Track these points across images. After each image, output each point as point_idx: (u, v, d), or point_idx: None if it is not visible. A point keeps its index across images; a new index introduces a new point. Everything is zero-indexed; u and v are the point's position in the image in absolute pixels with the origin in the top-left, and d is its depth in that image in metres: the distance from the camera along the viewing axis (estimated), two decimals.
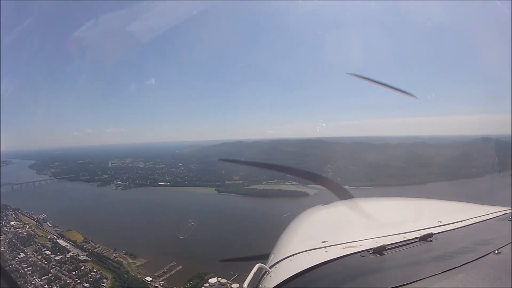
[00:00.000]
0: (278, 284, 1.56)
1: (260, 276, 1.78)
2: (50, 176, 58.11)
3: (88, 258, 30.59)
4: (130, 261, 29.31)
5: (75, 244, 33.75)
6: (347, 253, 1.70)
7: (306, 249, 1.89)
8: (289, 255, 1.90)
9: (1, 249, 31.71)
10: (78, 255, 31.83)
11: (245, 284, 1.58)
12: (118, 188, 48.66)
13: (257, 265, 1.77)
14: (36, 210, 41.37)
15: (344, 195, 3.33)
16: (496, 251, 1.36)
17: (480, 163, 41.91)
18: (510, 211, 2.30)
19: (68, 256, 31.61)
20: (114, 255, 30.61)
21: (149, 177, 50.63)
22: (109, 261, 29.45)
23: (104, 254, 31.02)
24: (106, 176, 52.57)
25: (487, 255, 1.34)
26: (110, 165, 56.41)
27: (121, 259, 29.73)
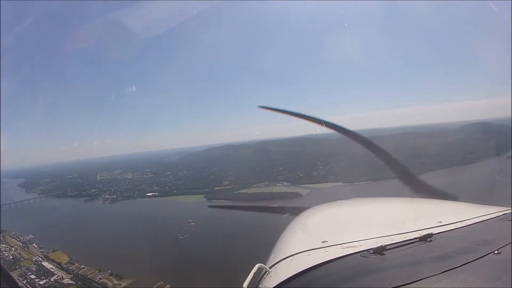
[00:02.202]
0: (278, 284, 1.56)
1: (260, 276, 1.77)
2: (39, 194, 56.79)
3: (72, 282, 29.34)
4: (116, 282, 27.84)
5: (60, 266, 32.55)
6: (347, 253, 1.69)
7: (306, 249, 1.89)
8: (289, 255, 1.91)
9: None
10: (63, 278, 30.64)
11: (245, 284, 1.56)
12: (106, 202, 46.94)
13: (257, 265, 1.76)
14: (23, 231, 40.15)
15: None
16: (496, 251, 1.36)
17: (474, 149, 41.33)
18: (510, 211, 2.25)
19: (52, 280, 30.45)
20: (99, 276, 29.18)
21: (137, 188, 48.86)
22: (94, 284, 28.13)
23: (89, 275, 29.61)
24: (94, 190, 50.76)
25: (487, 255, 1.33)
26: (98, 178, 54.87)
27: (106, 281, 28.29)
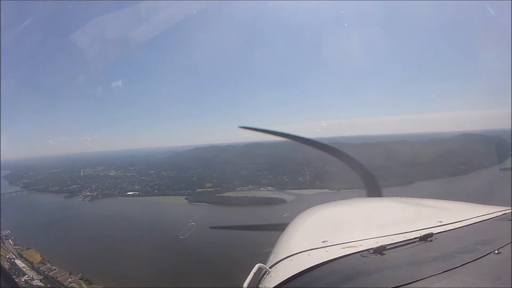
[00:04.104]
0: (278, 284, 1.58)
1: (260, 276, 1.78)
2: (22, 187, 55.60)
3: (42, 284, 28.45)
4: (84, 287, 27.19)
5: (31, 265, 31.66)
6: (347, 253, 1.71)
7: (306, 249, 1.92)
8: (289, 255, 1.93)
9: None
10: (33, 279, 29.75)
11: (245, 284, 1.56)
12: (86, 199, 45.73)
13: (257, 265, 1.77)
14: (2, 226, 39.19)
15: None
16: (496, 251, 1.36)
17: (466, 159, 40.60)
18: (510, 211, 2.24)
19: (22, 281, 29.48)
20: (69, 280, 28.15)
21: (119, 186, 47.69)
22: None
23: (59, 278, 28.67)
24: (76, 186, 49.53)
25: (487, 255, 1.34)
26: (82, 174, 53.62)
27: (75, 285, 27.31)
